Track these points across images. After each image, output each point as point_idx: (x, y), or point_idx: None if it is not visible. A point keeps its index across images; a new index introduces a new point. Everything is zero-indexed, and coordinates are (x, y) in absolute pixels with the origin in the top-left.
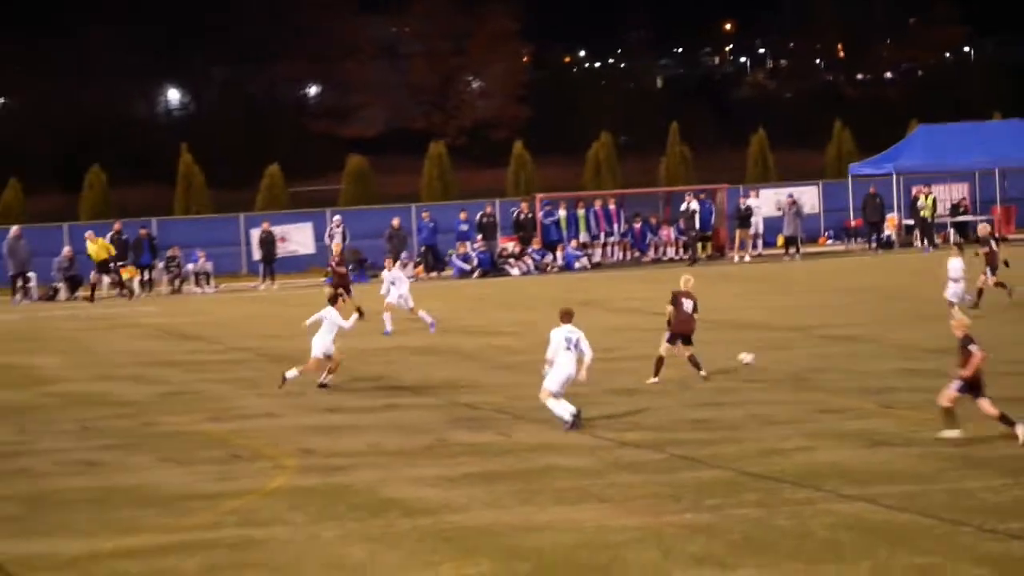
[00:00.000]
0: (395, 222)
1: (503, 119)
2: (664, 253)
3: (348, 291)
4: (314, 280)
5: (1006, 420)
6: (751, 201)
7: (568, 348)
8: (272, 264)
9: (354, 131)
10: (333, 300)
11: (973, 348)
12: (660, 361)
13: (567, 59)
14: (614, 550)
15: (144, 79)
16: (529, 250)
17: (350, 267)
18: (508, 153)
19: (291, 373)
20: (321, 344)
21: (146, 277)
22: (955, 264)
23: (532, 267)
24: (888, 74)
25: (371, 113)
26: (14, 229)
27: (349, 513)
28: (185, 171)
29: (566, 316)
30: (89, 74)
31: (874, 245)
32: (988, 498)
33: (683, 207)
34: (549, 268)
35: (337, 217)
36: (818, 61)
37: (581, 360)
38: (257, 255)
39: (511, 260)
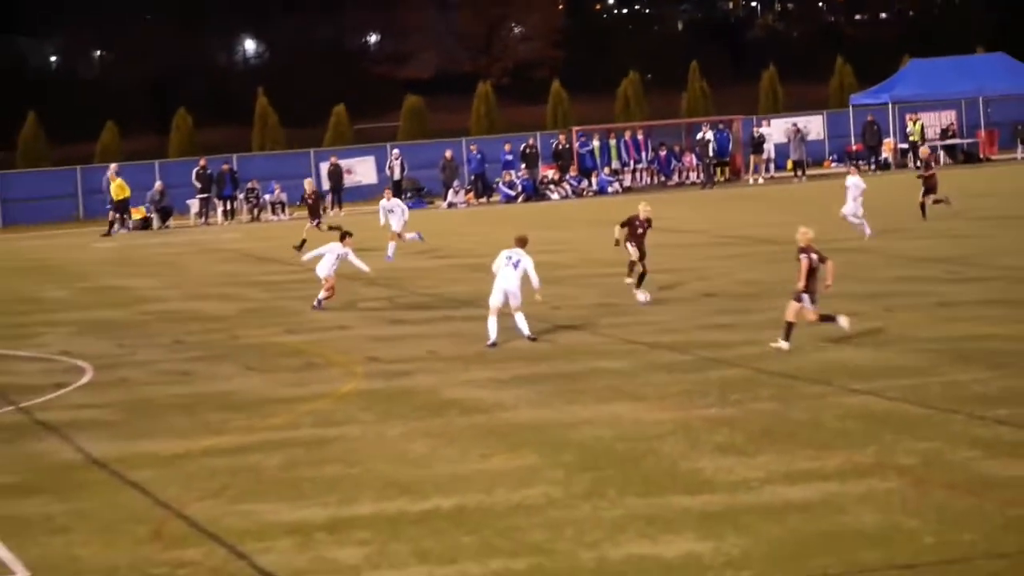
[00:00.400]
0: (447, 154)
1: (542, 61)
2: (687, 177)
3: (319, 222)
4: (376, 207)
5: (826, 319)
6: (763, 130)
7: (507, 266)
8: (340, 193)
9: (410, 74)
10: (342, 238)
11: (802, 257)
12: (631, 265)
13: (598, 6)
14: (648, 442)
15: (224, 31)
16: (567, 177)
17: (408, 194)
18: (547, 91)
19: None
20: (325, 268)
21: (228, 207)
22: (853, 181)
23: (570, 192)
24: (883, 14)
25: (425, 58)
26: (113, 166)
27: (412, 413)
28: (261, 112)
29: (518, 241)
30: (176, 28)
31: (873, 167)
32: (978, 389)
33: (699, 136)
34: (585, 192)
35: (396, 151)
36: (820, 4)
37: (525, 278)
38: (326, 185)
39: (551, 186)
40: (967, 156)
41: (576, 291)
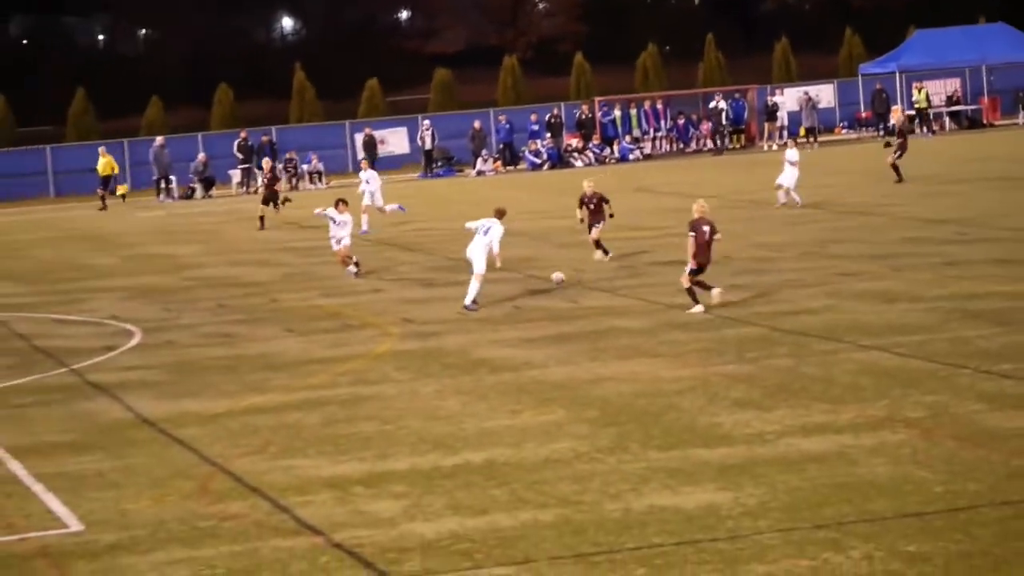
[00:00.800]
0: (476, 125)
1: (565, 35)
2: (704, 145)
3: (276, 204)
4: (409, 175)
5: (703, 286)
6: (776, 98)
7: (478, 232)
8: (374, 163)
9: (439, 48)
10: (337, 204)
11: (692, 234)
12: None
13: None
14: (668, 397)
15: (262, 8)
16: (590, 145)
17: (438, 163)
18: (570, 64)
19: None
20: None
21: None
22: (791, 154)
23: (593, 160)
24: None
25: (453, 33)
26: (159, 139)
27: (444, 372)
28: (299, 86)
29: (496, 212)
30: (216, 6)
31: (882, 133)
32: (983, 344)
33: (711, 105)
34: (607, 160)
35: (427, 121)
36: None
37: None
38: (361, 155)
39: (575, 154)
40: (971, 122)
41: (598, 254)
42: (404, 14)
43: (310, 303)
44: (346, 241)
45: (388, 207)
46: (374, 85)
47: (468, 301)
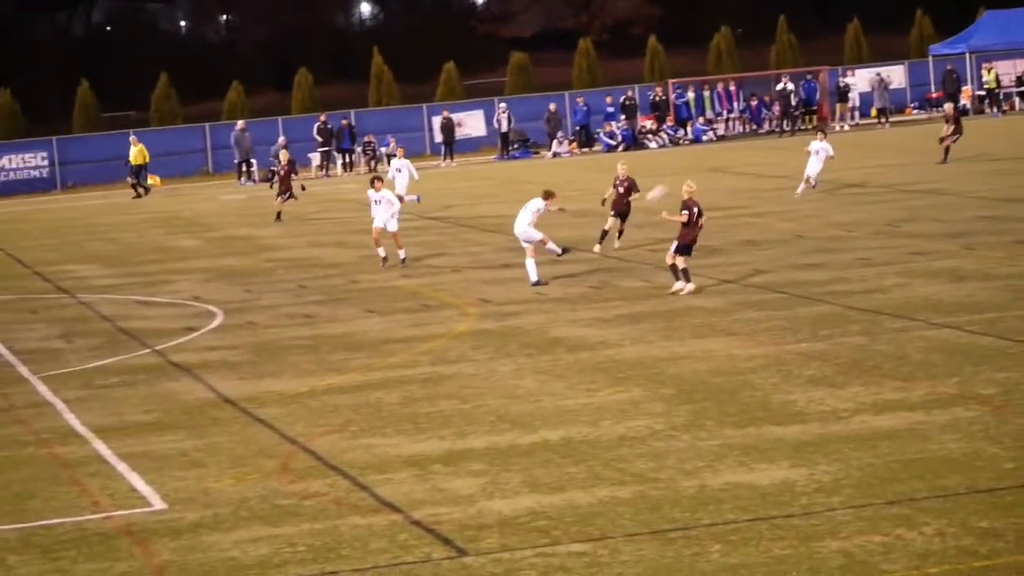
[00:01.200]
0: (552, 107)
1: (639, 18)
2: (776, 126)
3: (290, 195)
4: (486, 158)
5: (676, 272)
6: (848, 79)
7: (523, 211)
8: (451, 145)
9: (514, 31)
10: (372, 183)
11: (684, 212)
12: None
13: None
14: (742, 375)
15: None
16: (664, 127)
17: (515, 145)
18: (644, 46)
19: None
20: (381, 219)
21: (347, 160)
22: (816, 145)
23: (667, 141)
24: None
25: (528, 16)
26: (240, 123)
27: (521, 351)
28: (376, 70)
29: (544, 194)
30: None
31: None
32: None
33: (779, 87)
34: (681, 141)
35: (503, 104)
36: None
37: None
38: (439, 138)
39: (649, 135)
40: None
41: (673, 234)
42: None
43: (389, 284)
44: (389, 225)
45: (408, 197)
46: (451, 68)
47: (532, 279)
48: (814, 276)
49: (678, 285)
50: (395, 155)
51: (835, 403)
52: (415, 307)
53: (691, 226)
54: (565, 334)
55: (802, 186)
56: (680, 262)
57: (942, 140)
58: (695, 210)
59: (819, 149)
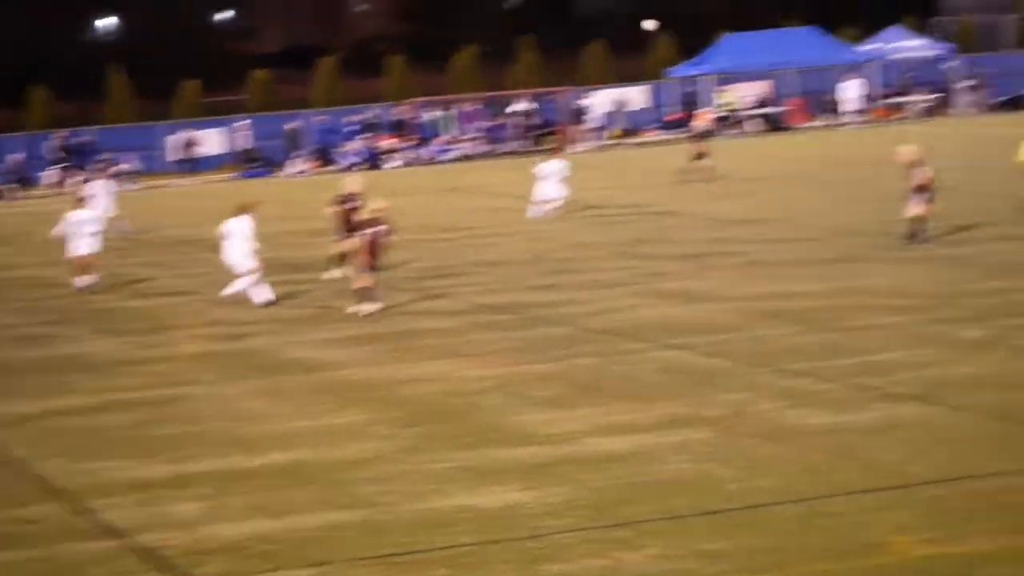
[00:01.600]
0: (292, 125)
1: (384, 36)
2: (519, 146)
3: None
4: (225, 176)
5: (361, 293)
6: (588, 100)
7: (238, 238)
8: (190, 163)
9: (258, 48)
10: (77, 202)
11: (364, 233)
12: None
13: None
14: (474, 397)
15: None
16: (407, 146)
17: (254, 164)
18: (388, 65)
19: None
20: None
21: (81, 178)
22: (549, 167)
23: (409, 160)
24: None
25: (272, 33)
26: None
27: (251, 373)
28: (116, 86)
29: (239, 209)
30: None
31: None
32: (783, 344)
33: (518, 108)
34: (424, 161)
35: (243, 122)
36: None
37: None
38: (176, 156)
39: (391, 155)
40: (775, 125)
41: (408, 255)
42: (223, 14)
43: (122, 304)
44: (81, 249)
45: (119, 223)
46: (192, 85)
47: (261, 299)
48: (549, 297)
49: (363, 307)
50: (108, 176)
51: (567, 425)
52: (147, 328)
53: (373, 245)
54: (296, 356)
55: (535, 207)
56: (364, 281)
57: (697, 158)
58: (382, 229)
59: (551, 171)
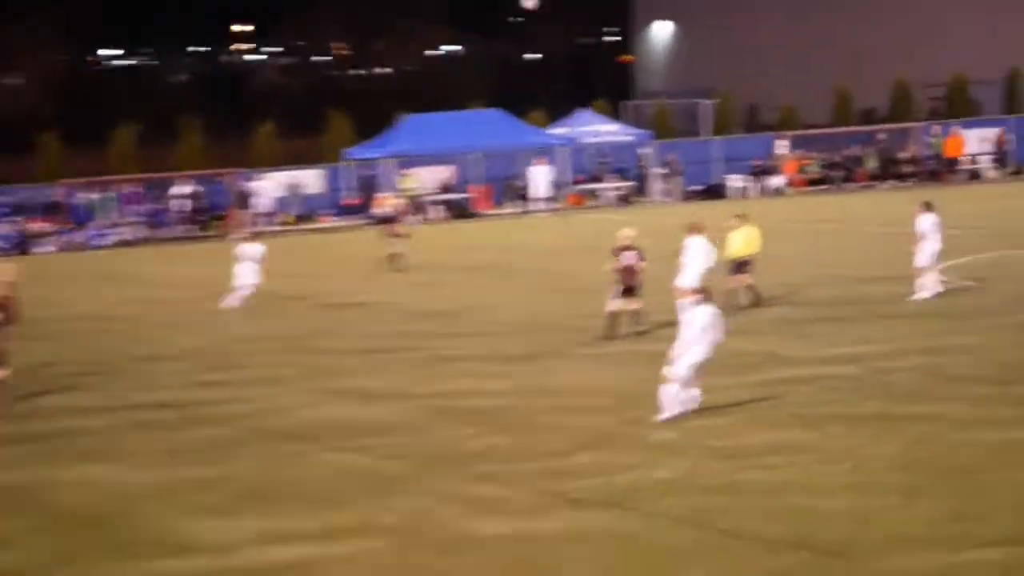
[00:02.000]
0: None
1: (37, 112)
2: (184, 232)
3: None
4: None
5: None
6: (257, 183)
7: None
8: None
9: None
10: None
11: None
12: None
13: (97, 58)
14: (131, 503)
15: None
16: (61, 230)
17: None
18: (41, 143)
19: None
20: None
21: None
22: (246, 249)
23: (64, 245)
24: (381, 69)
25: None
26: None
27: None
28: None
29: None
30: None
31: (371, 221)
32: (464, 446)
33: (180, 191)
34: (80, 246)
35: None
36: (321, 58)
37: None
38: None
39: (44, 239)
40: (459, 211)
41: (59, 348)
42: None
43: None
44: None
45: None
46: None
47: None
48: (213, 395)
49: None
50: None
51: (227, 534)
52: None
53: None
54: None
55: (231, 295)
56: None
57: (394, 236)
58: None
59: (249, 255)
